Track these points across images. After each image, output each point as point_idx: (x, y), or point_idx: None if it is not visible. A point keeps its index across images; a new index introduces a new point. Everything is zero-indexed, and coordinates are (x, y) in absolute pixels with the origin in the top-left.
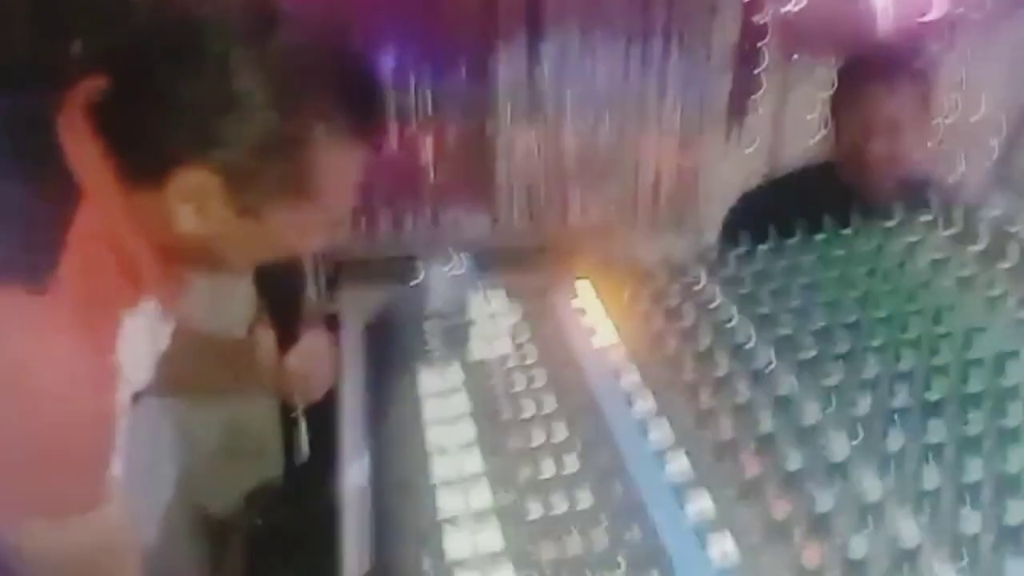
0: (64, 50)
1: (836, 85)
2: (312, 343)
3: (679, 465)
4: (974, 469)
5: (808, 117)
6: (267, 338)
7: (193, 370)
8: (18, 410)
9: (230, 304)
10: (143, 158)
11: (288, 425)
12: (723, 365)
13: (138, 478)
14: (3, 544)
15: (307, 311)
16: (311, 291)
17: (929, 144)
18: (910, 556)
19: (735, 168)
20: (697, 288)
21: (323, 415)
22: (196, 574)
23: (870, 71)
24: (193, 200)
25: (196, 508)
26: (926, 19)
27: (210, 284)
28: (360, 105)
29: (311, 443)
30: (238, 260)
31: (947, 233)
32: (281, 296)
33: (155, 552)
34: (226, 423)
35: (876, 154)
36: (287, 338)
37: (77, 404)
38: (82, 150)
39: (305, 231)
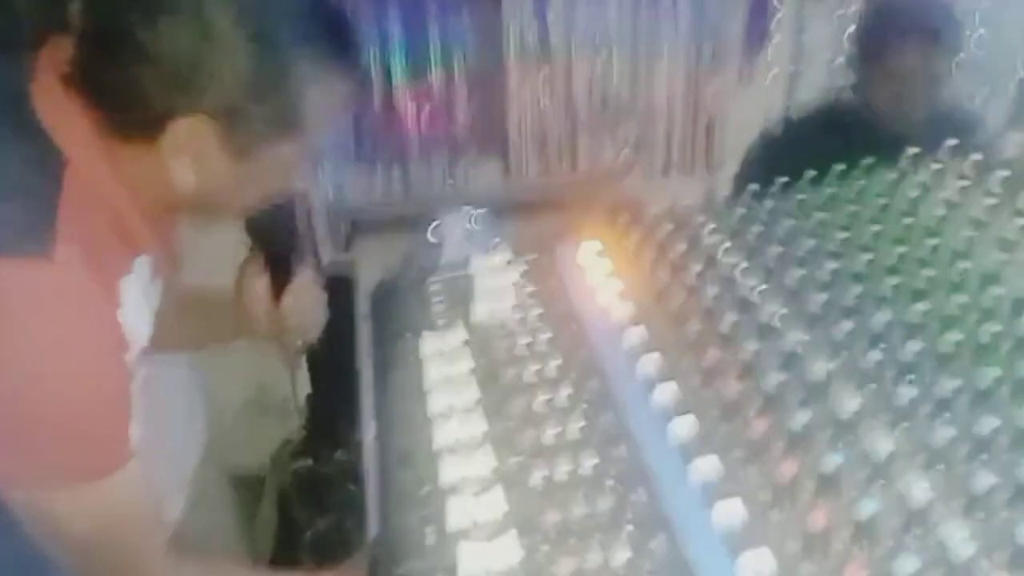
0: (37, 12)
1: (862, 30)
2: (304, 284)
3: (684, 426)
4: (987, 423)
5: (826, 47)
6: (258, 283)
7: (185, 324)
8: (35, 379)
9: (213, 253)
10: (131, 115)
11: (311, 379)
12: (729, 320)
13: (161, 440)
14: (24, 514)
15: (298, 254)
16: (323, 249)
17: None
18: (920, 515)
19: (751, 107)
20: (704, 236)
21: (341, 371)
22: (229, 532)
23: (897, 23)
24: (189, 150)
25: (225, 467)
26: None
27: (190, 235)
28: (337, 36)
29: (331, 398)
30: (233, 206)
31: (963, 175)
32: (275, 239)
33: (187, 512)
34: (250, 381)
35: (905, 101)
36: (281, 281)
37: (92, 368)
38: (60, 114)
39: (292, 167)
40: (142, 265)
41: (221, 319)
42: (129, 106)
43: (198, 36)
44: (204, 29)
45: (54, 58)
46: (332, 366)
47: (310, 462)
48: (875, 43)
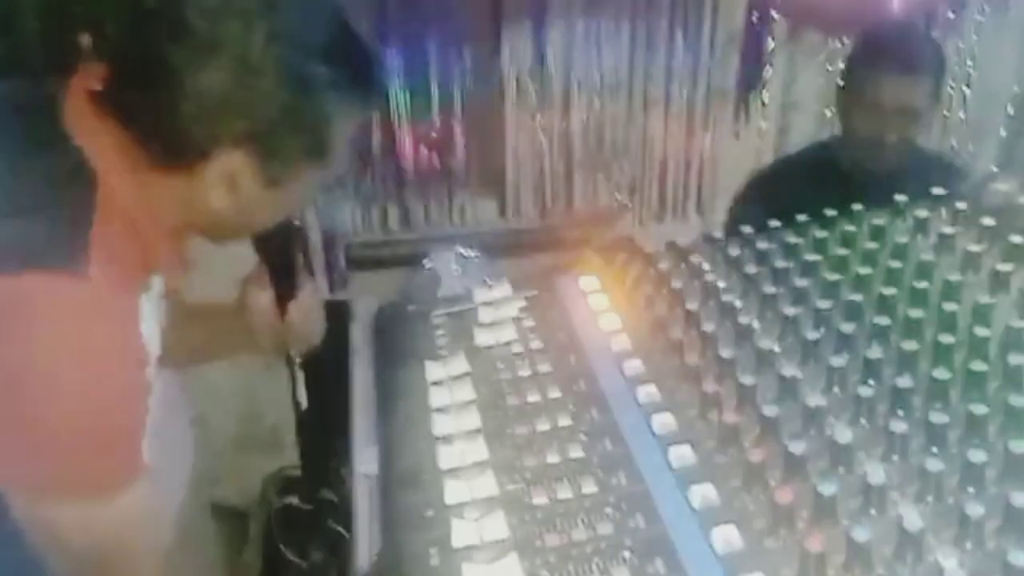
0: (72, 39)
1: (847, 69)
2: (307, 297)
3: (683, 452)
4: (980, 451)
5: (816, 98)
6: (263, 297)
7: (187, 338)
8: (59, 390)
9: (212, 268)
10: (163, 142)
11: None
12: (727, 349)
13: (159, 465)
14: (25, 524)
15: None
16: (321, 281)
17: (937, 118)
18: (914, 540)
19: (743, 150)
20: (702, 272)
21: (336, 401)
22: (215, 563)
23: (882, 54)
24: (226, 181)
25: (213, 498)
26: None
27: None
28: (364, 66)
29: (324, 429)
30: (255, 228)
31: (955, 209)
32: (280, 254)
33: (175, 543)
34: (240, 413)
35: (887, 139)
36: (285, 294)
37: (115, 382)
38: (92, 136)
39: (314, 191)
40: (157, 281)
41: (223, 333)
42: (161, 134)
43: (234, 67)
44: (240, 61)
45: (88, 81)
46: (324, 398)
47: (295, 499)
48: (860, 79)
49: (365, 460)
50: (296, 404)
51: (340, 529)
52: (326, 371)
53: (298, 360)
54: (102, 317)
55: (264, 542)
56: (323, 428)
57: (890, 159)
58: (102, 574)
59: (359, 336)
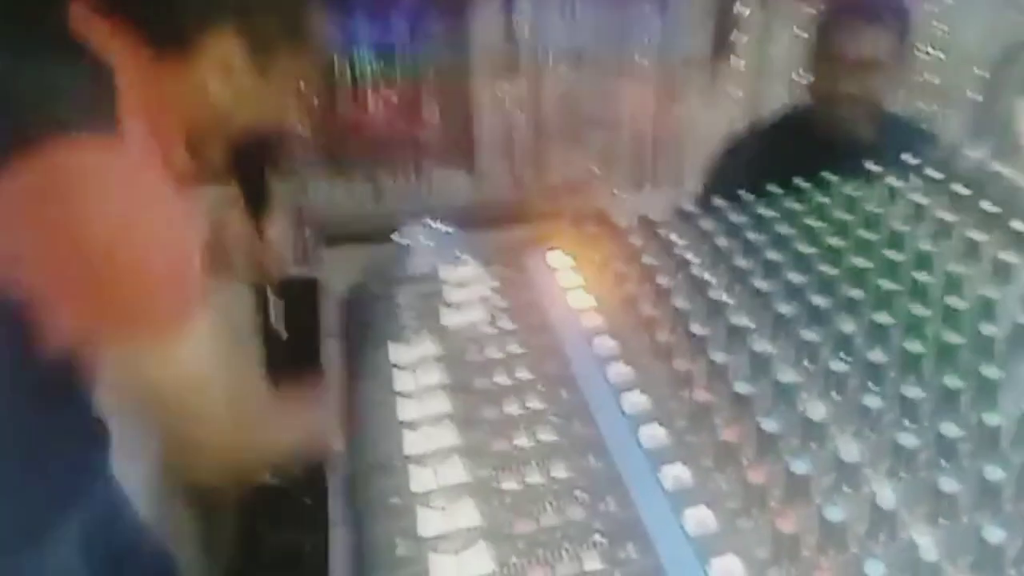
0: None
1: (815, 26)
2: (281, 216)
3: (654, 433)
4: (953, 425)
5: (788, 64)
6: (236, 218)
7: None
8: (124, 235)
9: None
10: (166, 29)
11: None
12: (699, 326)
13: None
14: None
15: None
16: (290, 256)
17: (906, 83)
18: (888, 517)
19: (716, 118)
20: (673, 246)
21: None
22: (189, 545)
23: (846, 7)
24: (222, 65)
25: (185, 480)
26: None
27: None
28: None
29: None
30: (250, 121)
31: (927, 177)
32: (256, 174)
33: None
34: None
35: (849, 93)
36: (261, 214)
37: (171, 229)
38: (100, 34)
39: (295, 87)
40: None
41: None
42: (158, 23)
43: None
44: None
45: None
46: (296, 375)
47: (271, 478)
48: (823, 32)
49: (336, 439)
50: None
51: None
52: (296, 347)
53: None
54: (143, 171)
55: (239, 520)
56: None
57: (855, 116)
58: (182, 413)
59: (330, 314)
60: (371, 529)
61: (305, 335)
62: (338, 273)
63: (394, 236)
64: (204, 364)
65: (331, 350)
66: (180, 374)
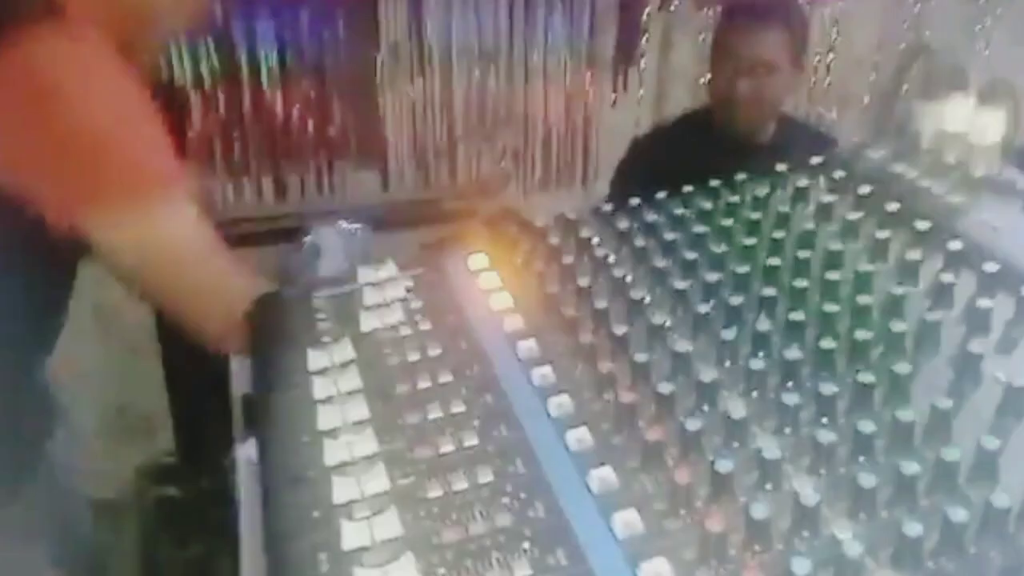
0: None
1: (714, 28)
2: None
3: (580, 435)
4: (868, 421)
5: (692, 67)
6: None
7: None
8: (105, 116)
9: None
10: None
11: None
12: (620, 326)
13: None
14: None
15: None
16: None
17: (803, 87)
18: (810, 514)
19: (623, 119)
20: (592, 246)
21: (215, 385)
22: (90, 559)
23: (742, 10)
24: None
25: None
26: None
27: None
28: None
29: (201, 415)
30: (176, 23)
31: (833, 177)
32: None
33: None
34: (109, 405)
35: (745, 94)
36: None
37: (145, 109)
38: None
39: None
40: None
41: None
42: None
43: None
44: None
45: None
46: (201, 382)
47: (173, 490)
48: (720, 35)
49: (247, 447)
50: (179, 429)
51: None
52: (200, 353)
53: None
54: (109, 56)
55: (141, 536)
56: (200, 415)
57: (752, 117)
58: (175, 274)
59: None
60: (291, 544)
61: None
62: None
63: (304, 237)
64: (194, 227)
65: (237, 357)
66: (178, 235)
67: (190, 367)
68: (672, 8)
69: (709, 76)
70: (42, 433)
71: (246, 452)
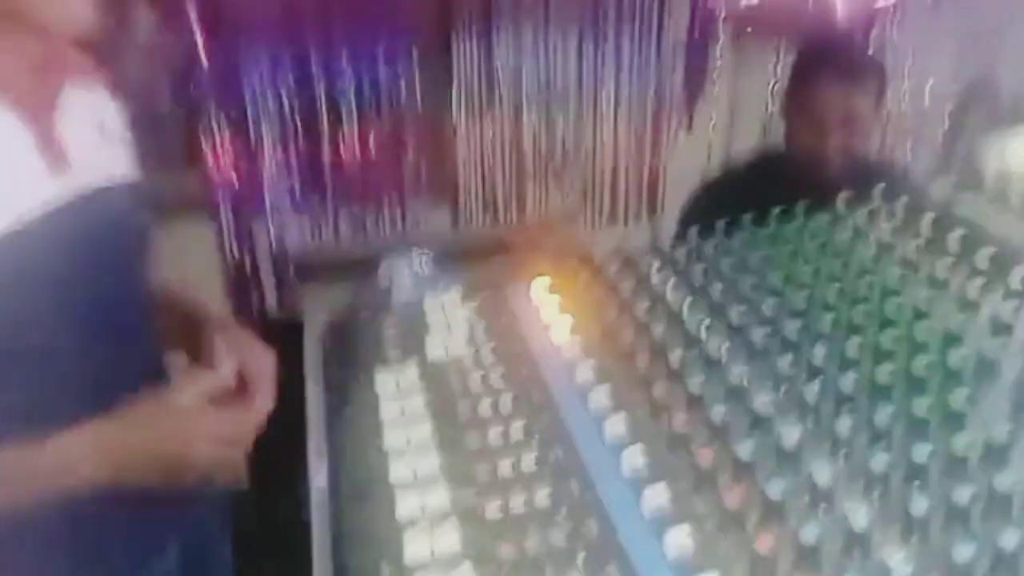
0: None
1: (790, 79)
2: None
3: (634, 459)
4: (921, 450)
5: (761, 104)
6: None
7: None
8: None
9: None
10: None
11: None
12: (676, 356)
13: None
14: None
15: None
16: (270, 297)
17: (879, 133)
18: (861, 539)
19: (691, 156)
20: (651, 279)
21: (287, 420)
22: None
23: (825, 65)
24: None
25: None
26: (879, 5)
27: None
28: None
29: (276, 449)
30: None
31: (894, 218)
32: None
33: None
34: None
35: (832, 149)
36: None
37: None
38: None
39: None
40: (81, 95)
41: None
42: None
43: None
44: None
45: None
46: (280, 416)
47: (248, 524)
48: (804, 90)
49: (320, 475)
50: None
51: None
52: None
53: None
54: None
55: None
56: (275, 449)
57: (836, 166)
58: None
59: (311, 350)
60: (356, 557)
61: (289, 377)
62: (320, 310)
63: (378, 270)
64: None
65: (312, 384)
66: None
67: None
68: (741, 46)
69: (787, 124)
70: None
71: (319, 479)
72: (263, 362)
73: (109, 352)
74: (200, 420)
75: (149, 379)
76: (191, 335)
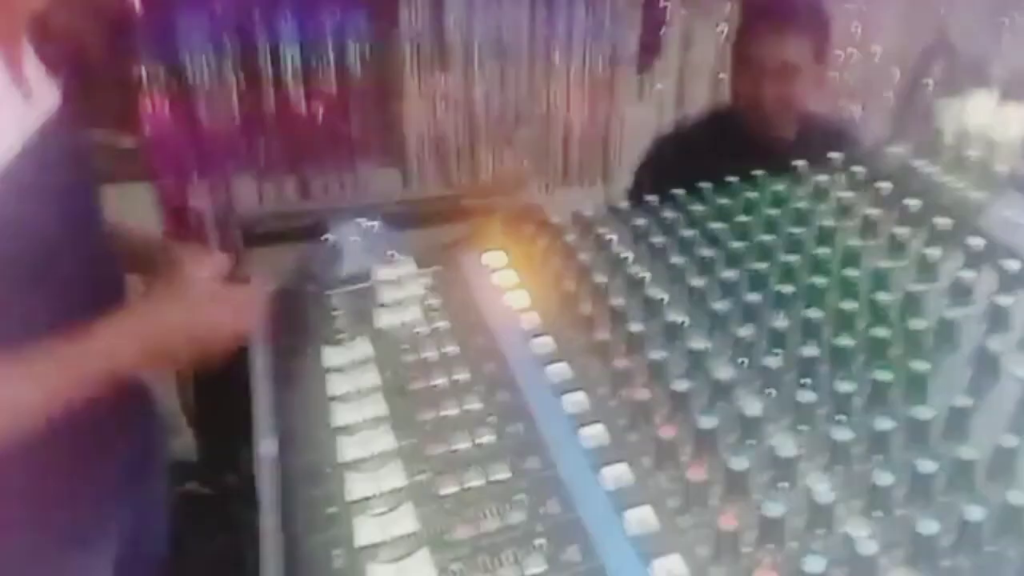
0: None
1: (735, 30)
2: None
3: (595, 432)
4: (885, 419)
5: (713, 63)
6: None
7: None
8: None
9: None
10: None
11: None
12: (636, 324)
13: None
14: None
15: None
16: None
17: (827, 87)
18: (825, 512)
19: (644, 116)
20: (609, 243)
21: (233, 383)
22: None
23: (762, 14)
24: None
25: None
26: None
27: None
28: None
29: (221, 412)
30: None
31: (852, 174)
32: None
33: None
34: None
35: (771, 98)
36: None
37: None
38: None
39: None
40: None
41: None
42: None
43: None
44: None
45: None
46: (223, 380)
47: (195, 485)
48: (743, 38)
49: (267, 444)
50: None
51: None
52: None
53: None
54: None
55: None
56: (220, 412)
57: (778, 119)
58: None
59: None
60: (306, 539)
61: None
62: (264, 272)
63: (325, 235)
64: None
65: (258, 352)
66: None
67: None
68: (693, 4)
69: (730, 77)
70: None
71: (267, 449)
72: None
73: (77, 267)
74: (223, 292)
75: (111, 297)
76: (149, 260)
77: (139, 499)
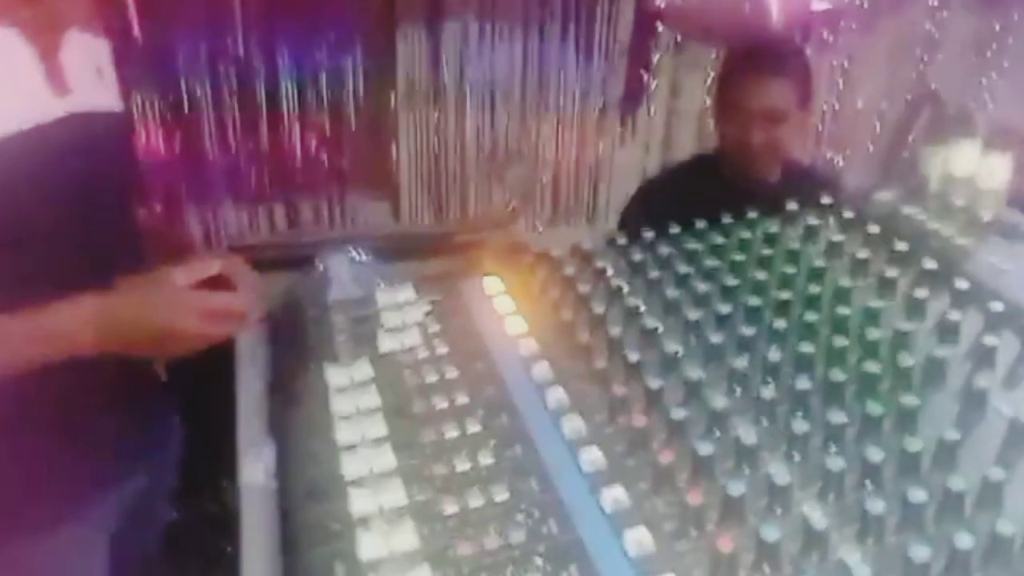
0: None
1: (719, 76)
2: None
3: (593, 456)
4: (876, 449)
5: (699, 108)
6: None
7: None
8: None
9: None
10: None
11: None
12: (634, 353)
13: None
14: None
15: None
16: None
17: (812, 134)
18: (819, 538)
19: (631, 158)
20: (606, 275)
21: (212, 411)
22: None
23: (748, 62)
24: None
25: None
26: (815, 9)
27: None
28: None
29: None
30: None
31: (842, 217)
32: None
33: None
34: None
35: (756, 145)
36: None
37: None
38: None
39: None
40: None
41: None
42: None
43: None
44: None
45: None
46: (207, 406)
47: (174, 514)
48: (728, 83)
49: (251, 471)
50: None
51: (224, 545)
52: (199, 376)
53: None
54: None
55: (142, 562)
56: (198, 438)
57: (762, 165)
58: None
59: (245, 340)
60: (309, 555)
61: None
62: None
63: (316, 263)
64: None
65: (247, 375)
66: None
67: (188, 391)
68: (680, 51)
69: (715, 121)
70: None
71: (249, 475)
72: (243, 268)
73: (94, 242)
74: (191, 296)
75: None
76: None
77: (143, 472)
